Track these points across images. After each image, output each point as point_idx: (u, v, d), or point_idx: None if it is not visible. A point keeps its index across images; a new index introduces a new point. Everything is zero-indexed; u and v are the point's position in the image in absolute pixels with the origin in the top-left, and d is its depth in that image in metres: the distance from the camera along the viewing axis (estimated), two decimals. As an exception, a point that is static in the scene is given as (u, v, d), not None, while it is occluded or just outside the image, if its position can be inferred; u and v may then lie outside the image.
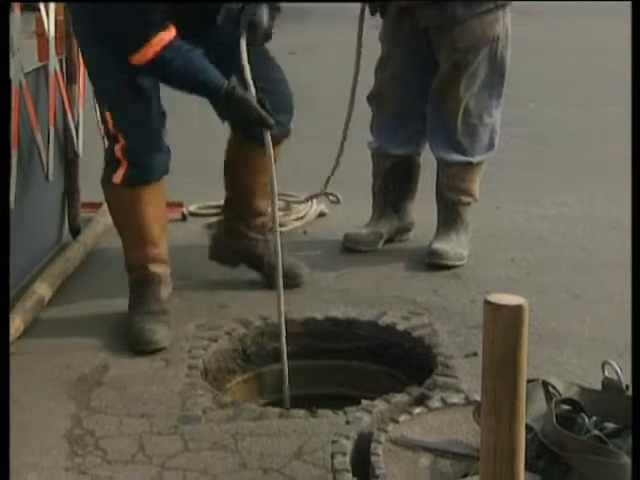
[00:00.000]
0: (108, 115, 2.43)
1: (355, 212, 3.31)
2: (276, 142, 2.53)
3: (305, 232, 3.39)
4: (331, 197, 3.13)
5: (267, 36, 2.43)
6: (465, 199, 2.95)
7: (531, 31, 6.59)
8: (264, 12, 2.37)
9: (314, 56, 6.59)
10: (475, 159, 2.91)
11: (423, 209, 3.18)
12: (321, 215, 3.56)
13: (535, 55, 6.20)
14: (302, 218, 3.49)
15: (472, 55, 2.76)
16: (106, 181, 2.51)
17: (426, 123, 2.98)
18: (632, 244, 1.45)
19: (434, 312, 2.63)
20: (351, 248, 3.10)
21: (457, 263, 2.88)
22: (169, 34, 2.25)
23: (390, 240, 3.17)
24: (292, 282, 2.69)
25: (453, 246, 2.91)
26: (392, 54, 2.93)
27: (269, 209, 2.75)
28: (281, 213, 3.37)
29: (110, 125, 2.43)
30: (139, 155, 2.45)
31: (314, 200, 3.61)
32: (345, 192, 3.17)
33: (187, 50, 2.29)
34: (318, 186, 3.11)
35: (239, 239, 2.70)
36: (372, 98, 3.04)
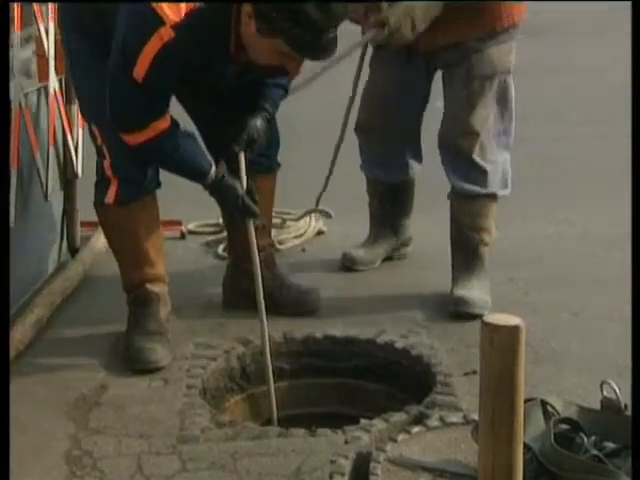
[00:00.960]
0: (94, 127, 2.44)
1: (353, 228, 3.32)
2: (268, 174, 2.65)
3: (304, 250, 3.40)
4: (322, 213, 3.16)
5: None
6: (487, 238, 2.83)
7: (527, 50, 6.59)
8: (262, 127, 2.42)
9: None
10: (499, 192, 2.80)
11: (417, 221, 3.18)
12: (320, 233, 3.57)
13: (532, 73, 6.23)
14: (301, 236, 3.51)
15: (488, 84, 2.69)
16: (99, 204, 2.51)
17: (419, 147, 2.96)
18: (632, 253, 1.45)
19: (433, 330, 2.63)
20: (349, 268, 3.09)
21: (484, 311, 2.68)
22: (165, 123, 2.25)
23: (389, 258, 3.16)
24: (302, 309, 2.74)
25: (478, 292, 2.77)
26: (384, 83, 2.85)
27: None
28: (277, 231, 3.40)
29: (97, 139, 2.44)
30: (127, 169, 2.43)
31: (312, 217, 3.64)
32: (343, 208, 3.19)
33: (178, 137, 2.29)
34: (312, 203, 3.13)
35: (247, 279, 2.66)
36: (361, 130, 2.97)
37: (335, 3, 2.04)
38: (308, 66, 2.41)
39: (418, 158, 3.03)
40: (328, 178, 3.03)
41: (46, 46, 2.92)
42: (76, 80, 2.50)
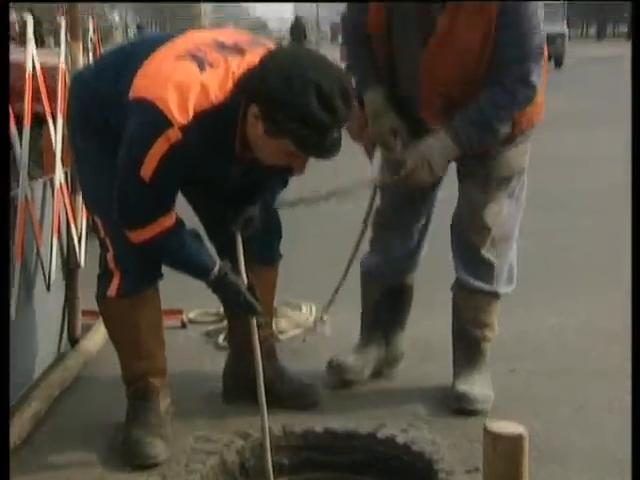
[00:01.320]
0: (98, 220, 2.46)
1: (356, 317, 3.31)
2: (269, 265, 2.68)
3: (304, 340, 3.39)
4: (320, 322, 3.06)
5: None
6: (490, 334, 2.81)
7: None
8: (259, 209, 2.47)
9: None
10: (504, 290, 2.79)
11: (418, 312, 3.17)
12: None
13: (533, 165, 6.33)
14: (301, 326, 3.51)
15: (504, 184, 2.69)
16: (101, 296, 2.51)
17: (420, 241, 2.92)
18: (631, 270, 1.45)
19: (435, 424, 2.60)
20: (336, 377, 2.92)
21: (486, 407, 2.68)
22: (170, 220, 2.28)
23: (378, 372, 2.99)
24: (303, 402, 2.73)
25: (480, 387, 2.74)
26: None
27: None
28: (277, 320, 3.41)
29: (101, 232, 2.46)
30: (130, 262, 2.44)
31: (313, 308, 3.65)
32: (346, 296, 3.18)
33: (183, 235, 2.32)
34: (313, 292, 3.11)
35: (248, 371, 2.63)
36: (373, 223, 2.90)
37: (341, 105, 2.09)
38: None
39: (418, 255, 2.97)
40: (336, 291, 2.89)
41: (54, 140, 2.99)
42: (82, 175, 2.54)
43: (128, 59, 2.30)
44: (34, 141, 2.82)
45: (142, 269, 2.46)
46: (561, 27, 24.83)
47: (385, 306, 2.97)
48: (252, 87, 2.13)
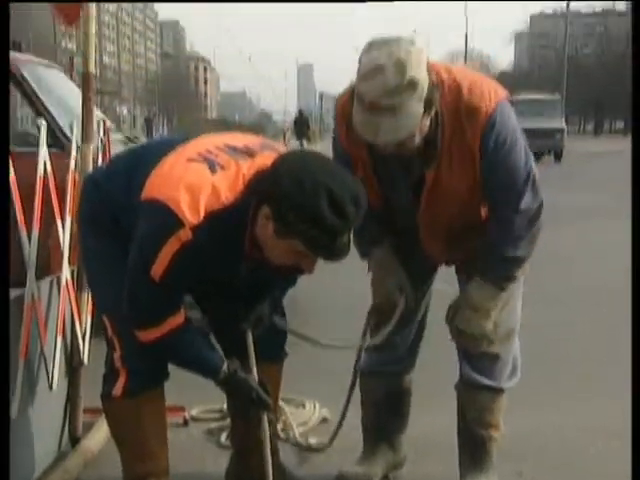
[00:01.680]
0: (106, 319, 2.47)
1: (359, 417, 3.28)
2: (275, 363, 2.68)
3: (308, 439, 3.35)
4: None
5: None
6: (495, 434, 2.78)
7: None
8: (269, 307, 2.52)
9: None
10: (508, 385, 2.77)
11: (423, 411, 3.14)
12: (324, 420, 3.55)
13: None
14: (305, 424, 3.48)
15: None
16: (106, 396, 2.51)
17: (418, 337, 2.91)
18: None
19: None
20: None
21: None
22: (180, 318, 2.31)
23: (385, 477, 2.96)
24: None
25: None
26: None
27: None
28: (281, 418, 3.38)
29: (108, 331, 2.47)
30: (137, 362, 2.45)
31: (316, 406, 3.62)
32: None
33: (190, 333, 2.34)
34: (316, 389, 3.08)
35: (250, 473, 2.59)
36: (373, 311, 2.89)
37: (351, 209, 2.13)
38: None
39: (416, 351, 2.95)
40: (341, 422, 2.90)
41: (62, 239, 3.04)
42: (91, 275, 2.57)
43: (139, 162, 2.37)
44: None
45: (149, 369, 2.46)
46: (560, 123, 25.34)
47: (387, 409, 2.94)
48: (264, 189, 2.18)
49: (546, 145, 23.52)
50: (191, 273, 2.27)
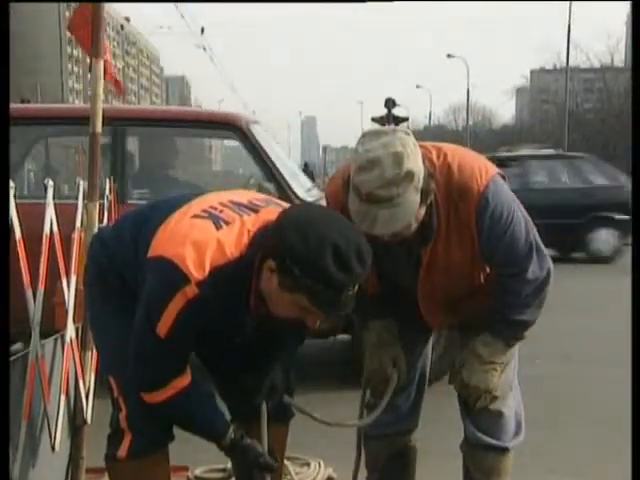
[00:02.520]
0: (112, 380, 2.45)
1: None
2: (282, 423, 2.63)
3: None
4: None
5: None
6: None
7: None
8: (281, 377, 2.50)
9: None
10: (513, 444, 2.72)
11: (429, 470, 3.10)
12: (330, 479, 3.50)
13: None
14: (310, 483, 3.44)
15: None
16: (110, 457, 2.47)
17: (420, 394, 2.87)
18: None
19: None
20: None
21: None
22: (186, 380, 2.29)
23: None
24: None
25: None
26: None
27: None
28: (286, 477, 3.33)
29: (114, 391, 2.45)
30: (142, 423, 2.42)
31: (321, 464, 3.58)
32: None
33: (197, 395, 2.32)
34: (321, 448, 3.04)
35: None
36: (366, 382, 2.83)
37: (356, 264, 2.12)
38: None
39: (419, 408, 2.91)
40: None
41: (66, 296, 3.04)
42: (96, 334, 2.55)
43: (146, 221, 2.37)
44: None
45: (154, 430, 2.43)
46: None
47: (392, 471, 2.90)
48: (268, 242, 2.18)
49: None
50: (196, 330, 2.25)
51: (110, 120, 4.72)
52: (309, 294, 2.14)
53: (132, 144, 4.99)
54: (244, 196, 2.42)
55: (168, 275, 2.17)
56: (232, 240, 2.21)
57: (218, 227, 2.23)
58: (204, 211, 2.29)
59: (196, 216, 2.27)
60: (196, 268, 2.15)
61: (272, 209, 2.31)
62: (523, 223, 2.47)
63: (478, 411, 2.68)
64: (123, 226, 2.52)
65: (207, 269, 2.16)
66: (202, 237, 2.20)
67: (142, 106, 6.36)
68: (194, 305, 2.16)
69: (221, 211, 2.29)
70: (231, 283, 2.21)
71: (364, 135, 2.32)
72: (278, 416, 2.64)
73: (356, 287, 2.17)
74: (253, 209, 2.32)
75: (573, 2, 34.64)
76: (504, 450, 2.72)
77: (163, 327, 2.18)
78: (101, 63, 3.17)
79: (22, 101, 24.04)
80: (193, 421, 2.34)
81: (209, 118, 4.96)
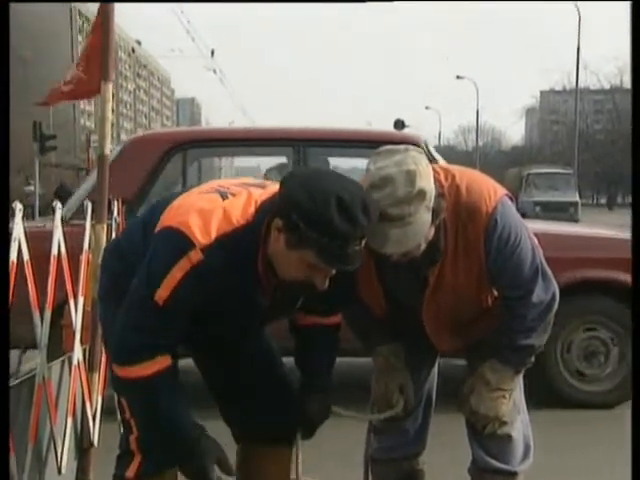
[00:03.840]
0: (125, 402, 2.41)
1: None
2: (284, 445, 2.59)
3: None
4: None
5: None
6: None
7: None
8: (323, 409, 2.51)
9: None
10: (521, 469, 2.68)
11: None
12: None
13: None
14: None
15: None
16: (119, 477, 2.44)
17: (427, 416, 2.83)
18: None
19: None
20: None
21: None
22: (168, 360, 2.20)
23: None
24: None
25: None
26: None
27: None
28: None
29: (126, 412, 2.42)
30: (153, 444, 2.39)
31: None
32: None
33: (173, 386, 2.23)
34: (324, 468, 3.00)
35: None
36: (374, 407, 2.78)
37: (361, 216, 2.11)
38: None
39: (426, 432, 2.87)
40: None
41: (74, 318, 3.04)
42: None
43: (154, 210, 2.37)
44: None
45: (164, 453, 2.39)
46: (574, 196, 25.36)
47: None
48: (275, 204, 2.17)
49: (560, 218, 23.53)
50: (197, 299, 2.19)
51: (293, 141, 4.84)
52: (316, 248, 2.11)
53: (315, 165, 5.00)
54: (253, 180, 2.43)
55: (172, 241, 2.14)
56: (239, 208, 2.20)
57: (224, 198, 2.23)
58: (211, 188, 2.30)
59: (202, 192, 2.28)
60: (202, 234, 2.12)
61: (278, 184, 2.28)
62: (530, 246, 2.46)
63: (486, 435, 2.66)
64: (133, 229, 2.50)
65: (213, 235, 2.13)
66: (208, 206, 2.19)
67: (326, 127, 6.26)
68: (198, 271, 2.12)
69: (228, 187, 2.29)
70: (237, 249, 2.17)
71: (376, 153, 2.32)
72: (279, 439, 2.61)
73: (363, 242, 2.14)
74: (260, 185, 2.34)
75: (582, 24, 34.86)
76: (513, 474, 2.68)
77: (163, 294, 2.12)
78: (109, 86, 3.19)
79: (60, 186, 24.26)
80: (164, 407, 2.21)
81: (391, 138, 4.95)
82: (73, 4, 53.60)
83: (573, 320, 4.76)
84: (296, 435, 2.63)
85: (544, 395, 4.69)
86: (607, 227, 6.54)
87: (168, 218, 2.22)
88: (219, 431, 2.43)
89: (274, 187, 2.28)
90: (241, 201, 2.23)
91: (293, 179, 2.18)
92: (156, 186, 4.61)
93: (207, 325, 2.33)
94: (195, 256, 2.12)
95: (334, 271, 2.20)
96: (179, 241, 2.13)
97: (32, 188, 24.69)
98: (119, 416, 2.48)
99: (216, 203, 2.21)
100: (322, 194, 2.11)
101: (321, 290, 2.24)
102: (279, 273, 2.25)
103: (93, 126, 54.33)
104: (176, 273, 2.13)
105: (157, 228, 2.23)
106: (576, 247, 4.88)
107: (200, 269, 2.13)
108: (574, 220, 24.70)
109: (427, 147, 4.91)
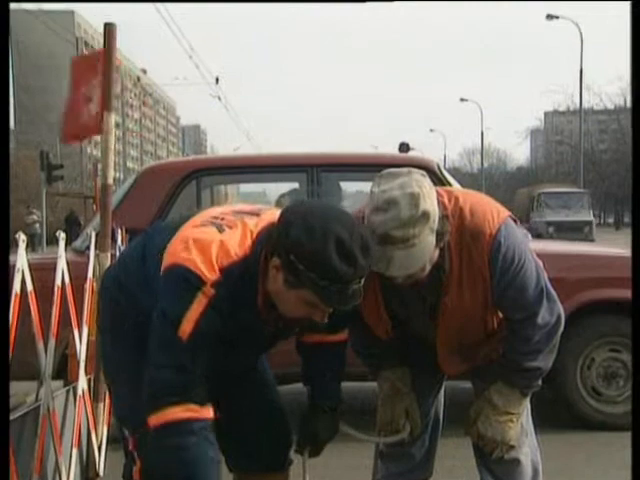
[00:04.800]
0: (128, 433, 2.41)
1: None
2: (278, 471, 2.57)
3: None
4: None
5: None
6: None
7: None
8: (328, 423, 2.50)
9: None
10: None
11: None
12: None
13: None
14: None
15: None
16: None
17: (434, 440, 2.81)
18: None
19: None
20: None
21: None
22: (202, 411, 2.17)
23: None
24: None
25: None
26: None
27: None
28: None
29: (130, 444, 2.41)
30: (157, 479, 2.32)
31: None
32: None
33: (207, 439, 2.18)
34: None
35: None
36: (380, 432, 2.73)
37: (360, 257, 2.10)
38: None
39: (434, 461, 2.84)
40: None
41: (78, 349, 3.04)
42: (113, 384, 2.50)
43: (152, 235, 2.38)
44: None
45: None
46: (588, 215, 25.09)
47: None
48: (272, 239, 2.17)
49: (575, 238, 23.30)
50: (215, 332, 2.19)
51: (306, 166, 4.87)
52: (315, 289, 2.10)
53: (328, 189, 5.02)
54: (245, 206, 2.43)
55: (184, 279, 2.15)
56: (236, 241, 2.21)
57: (221, 231, 2.23)
58: (206, 220, 2.30)
59: (197, 225, 2.28)
60: (208, 270, 2.14)
61: (274, 211, 2.30)
62: (534, 267, 2.45)
63: (494, 460, 2.64)
64: (130, 253, 2.49)
65: (217, 269, 2.15)
66: (205, 237, 2.20)
67: (340, 152, 6.29)
68: (213, 304, 2.14)
69: (222, 219, 2.29)
70: (239, 283, 2.18)
71: (380, 176, 2.33)
72: (272, 465, 2.57)
73: (362, 280, 2.13)
74: (254, 213, 2.33)
75: (585, 46, 34.94)
76: None
77: (186, 328, 2.13)
78: (112, 117, 3.22)
79: (70, 213, 24.13)
80: (183, 462, 2.16)
81: (403, 162, 4.97)
82: (78, 35, 54.08)
83: (599, 338, 4.72)
84: (290, 459, 2.62)
85: (559, 408, 4.67)
86: (626, 247, 6.52)
87: (170, 256, 2.22)
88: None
89: (269, 214, 2.29)
90: (237, 234, 2.23)
91: (291, 215, 2.17)
92: (170, 215, 4.62)
93: (214, 359, 2.30)
94: (208, 291, 2.15)
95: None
96: (191, 279, 2.15)
97: (35, 217, 24.81)
98: (123, 449, 2.47)
99: (213, 235, 2.21)
100: (321, 234, 2.10)
101: (321, 322, 2.25)
102: (279, 310, 2.25)
103: (100, 154, 54.59)
104: (196, 307, 2.15)
105: (162, 267, 2.23)
106: (602, 266, 4.84)
107: (214, 302, 2.15)
108: (589, 240, 24.42)
109: (440, 170, 4.92)
